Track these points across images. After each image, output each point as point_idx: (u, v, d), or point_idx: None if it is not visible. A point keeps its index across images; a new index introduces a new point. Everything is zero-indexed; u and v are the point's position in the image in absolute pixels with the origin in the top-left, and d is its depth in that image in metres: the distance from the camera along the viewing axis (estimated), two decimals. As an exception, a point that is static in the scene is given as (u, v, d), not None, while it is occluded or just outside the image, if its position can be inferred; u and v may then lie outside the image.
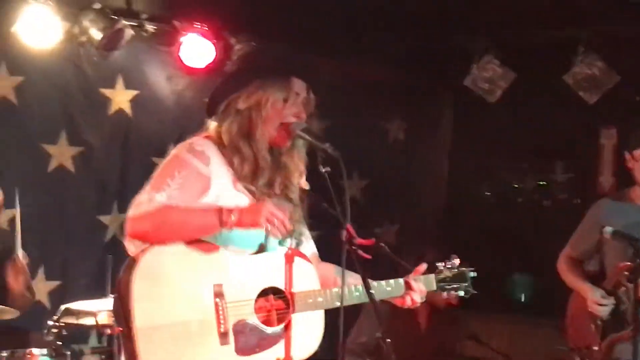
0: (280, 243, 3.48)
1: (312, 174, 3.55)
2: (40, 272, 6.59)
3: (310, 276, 3.51)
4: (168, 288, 3.27)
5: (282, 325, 3.40)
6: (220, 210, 3.28)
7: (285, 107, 3.44)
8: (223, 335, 3.30)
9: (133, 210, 3.32)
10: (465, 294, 3.89)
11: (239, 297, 3.35)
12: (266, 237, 3.42)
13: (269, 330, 3.39)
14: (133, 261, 3.27)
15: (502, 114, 7.51)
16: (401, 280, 3.71)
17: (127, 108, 6.90)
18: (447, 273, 3.83)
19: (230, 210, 3.28)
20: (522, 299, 7.84)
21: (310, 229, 3.70)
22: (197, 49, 6.71)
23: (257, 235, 3.41)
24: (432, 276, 3.79)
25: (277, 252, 3.43)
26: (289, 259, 3.32)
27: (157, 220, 3.26)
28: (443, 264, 3.85)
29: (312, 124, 3.53)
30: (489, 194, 8.16)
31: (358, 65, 7.61)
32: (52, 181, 6.65)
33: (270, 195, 3.48)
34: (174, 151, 3.47)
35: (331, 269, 3.63)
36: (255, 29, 6.68)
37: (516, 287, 7.86)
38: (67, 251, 6.70)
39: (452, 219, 8.33)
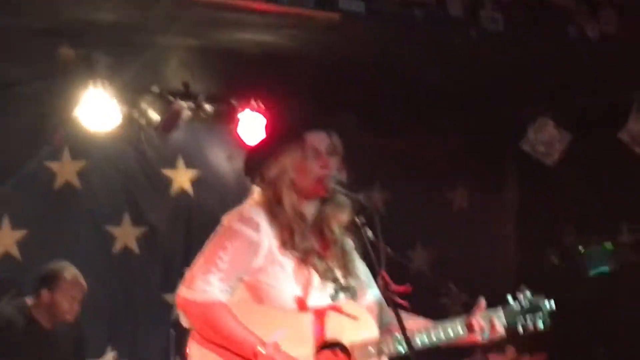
0: (333, 298, 3.51)
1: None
2: (109, 353, 6.69)
3: (367, 325, 3.49)
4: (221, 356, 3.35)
5: None
6: (254, 350, 3.29)
7: (307, 164, 3.50)
8: None
9: (186, 291, 3.38)
10: (543, 325, 3.68)
11: (296, 354, 3.36)
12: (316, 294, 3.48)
13: None
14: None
15: (564, 177, 7.46)
16: (462, 318, 3.56)
17: (188, 188, 7.05)
18: (516, 306, 3.68)
19: (267, 357, 3.28)
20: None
21: None
22: (255, 126, 6.82)
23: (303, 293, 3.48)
24: (499, 310, 3.57)
25: (326, 308, 3.47)
26: (319, 316, 3.40)
27: (206, 316, 3.34)
28: (512, 297, 3.70)
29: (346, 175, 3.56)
30: (555, 259, 8.04)
31: (418, 138, 7.68)
32: (117, 262, 6.81)
33: (317, 253, 3.52)
34: (225, 221, 3.54)
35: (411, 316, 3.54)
36: (313, 104, 6.79)
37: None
38: (134, 330, 6.80)
39: (521, 286, 8.20)
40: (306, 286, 3.47)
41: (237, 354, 3.33)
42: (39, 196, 6.53)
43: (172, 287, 6.95)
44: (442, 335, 3.52)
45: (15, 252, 6.34)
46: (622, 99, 6.63)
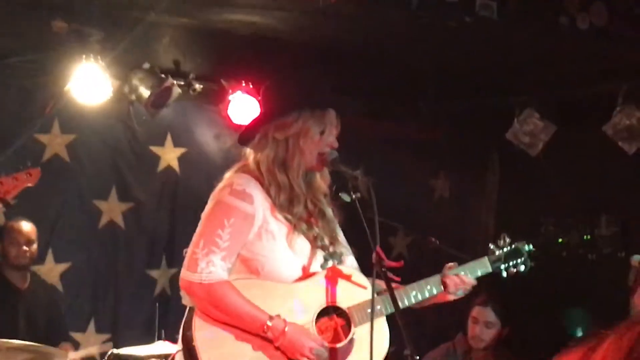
0: (323, 265, 3.58)
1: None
2: (91, 325, 6.73)
3: (362, 290, 3.59)
4: (227, 331, 3.42)
5: (347, 340, 3.49)
6: (270, 326, 3.37)
7: (322, 138, 3.55)
8: None
9: (190, 273, 3.41)
10: (525, 268, 3.93)
11: (299, 322, 3.46)
12: (308, 262, 3.54)
13: (338, 345, 3.48)
14: (192, 315, 3.44)
15: (545, 168, 7.55)
16: (437, 277, 3.75)
17: (175, 165, 7.08)
18: (499, 252, 3.88)
19: (278, 330, 3.37)
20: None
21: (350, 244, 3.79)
22: (244, 106, 6.86)
23: (298, 261, 3.54)
24: (484, 258, 3.84)
25: (322, 274, 3.54)
26: (331, 280, 3.46)
27: (212, 297, 3.38)
28: (493, 244, 3.89)
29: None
30: (534, 249, 8.12)
31: (403, 123, 7.75)
32: (103, 236, 6.85)
33: (306, 221, 3.58)
34: (215, 196, 3.55)
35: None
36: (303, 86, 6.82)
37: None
38: (117, 304, 6.85)
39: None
40: (310, 255, 3.55)
41: (245, 331, 3.40)
42: (27, 167, 6.53)
43: (156, 263, 7.07)
44: (419, 295, 3.65)
45: (1, 220, 6.37)
46: (608, 93, 6.71)
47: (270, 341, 3.40)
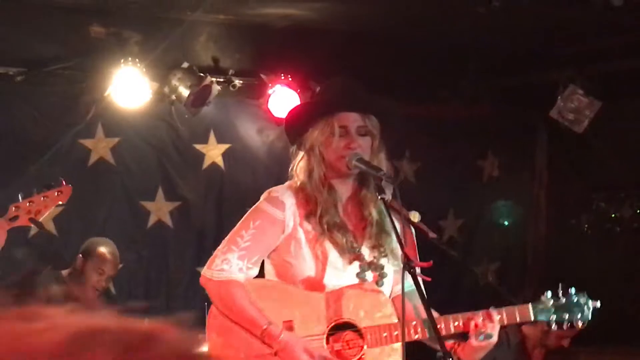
0: (360, 275, 3.54)
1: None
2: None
3: (383, 309, 3.54)
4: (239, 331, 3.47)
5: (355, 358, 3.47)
6: (266, 330, 3.41)
7: (333, 142, 3.52)
8: None
9: (206, 270, 3.58)
10: (582, 323, 3.62)
11: (310, 332, 3.45)
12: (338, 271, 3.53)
13: None
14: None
15: (594, 144, 7.46)
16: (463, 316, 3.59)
17: (220, 161, 7.11)
18: (548, 302, 3.59)
19: (272, 336, 3.40)
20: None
21: None
22: (284, 99, 6.85)
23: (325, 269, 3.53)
24: (528, 305, 3.59)
25: (344, 289, 3.52)
26: (334, 296, 3.49)
27: (218, 293, 3.53)
28: (550, 293, 3.65)
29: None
30: (587, 225, 8.05)
31: (448, 105, 7.68)
32: (152, 236, 6.92)
33: (339, 229, 3.56)
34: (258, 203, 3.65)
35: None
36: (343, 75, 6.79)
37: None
38: (168, 303, 6.90)
39: (552, 253, 8.23)
40: (322, 263, 3.52)
41: (249, 332, 3.46)
42: (74, 172, 6.60)
43: (205, 261, 7.06)
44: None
45: (51, 227, 6.44)
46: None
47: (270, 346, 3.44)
